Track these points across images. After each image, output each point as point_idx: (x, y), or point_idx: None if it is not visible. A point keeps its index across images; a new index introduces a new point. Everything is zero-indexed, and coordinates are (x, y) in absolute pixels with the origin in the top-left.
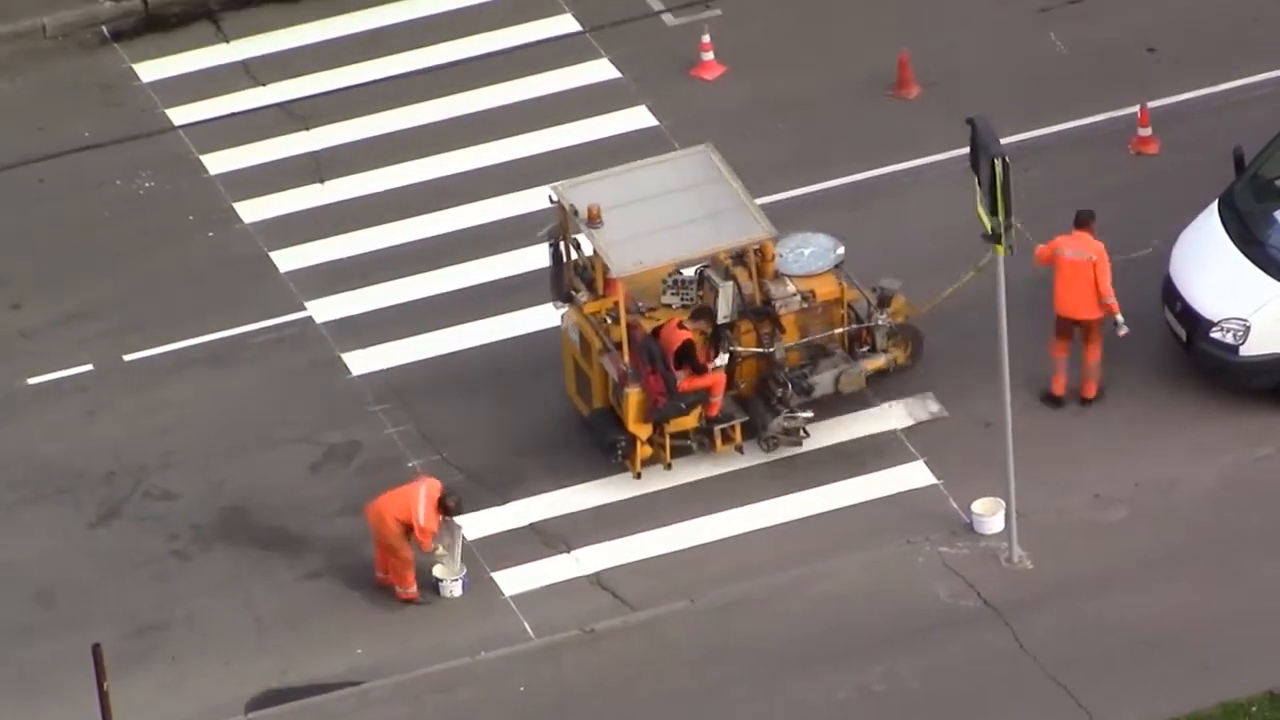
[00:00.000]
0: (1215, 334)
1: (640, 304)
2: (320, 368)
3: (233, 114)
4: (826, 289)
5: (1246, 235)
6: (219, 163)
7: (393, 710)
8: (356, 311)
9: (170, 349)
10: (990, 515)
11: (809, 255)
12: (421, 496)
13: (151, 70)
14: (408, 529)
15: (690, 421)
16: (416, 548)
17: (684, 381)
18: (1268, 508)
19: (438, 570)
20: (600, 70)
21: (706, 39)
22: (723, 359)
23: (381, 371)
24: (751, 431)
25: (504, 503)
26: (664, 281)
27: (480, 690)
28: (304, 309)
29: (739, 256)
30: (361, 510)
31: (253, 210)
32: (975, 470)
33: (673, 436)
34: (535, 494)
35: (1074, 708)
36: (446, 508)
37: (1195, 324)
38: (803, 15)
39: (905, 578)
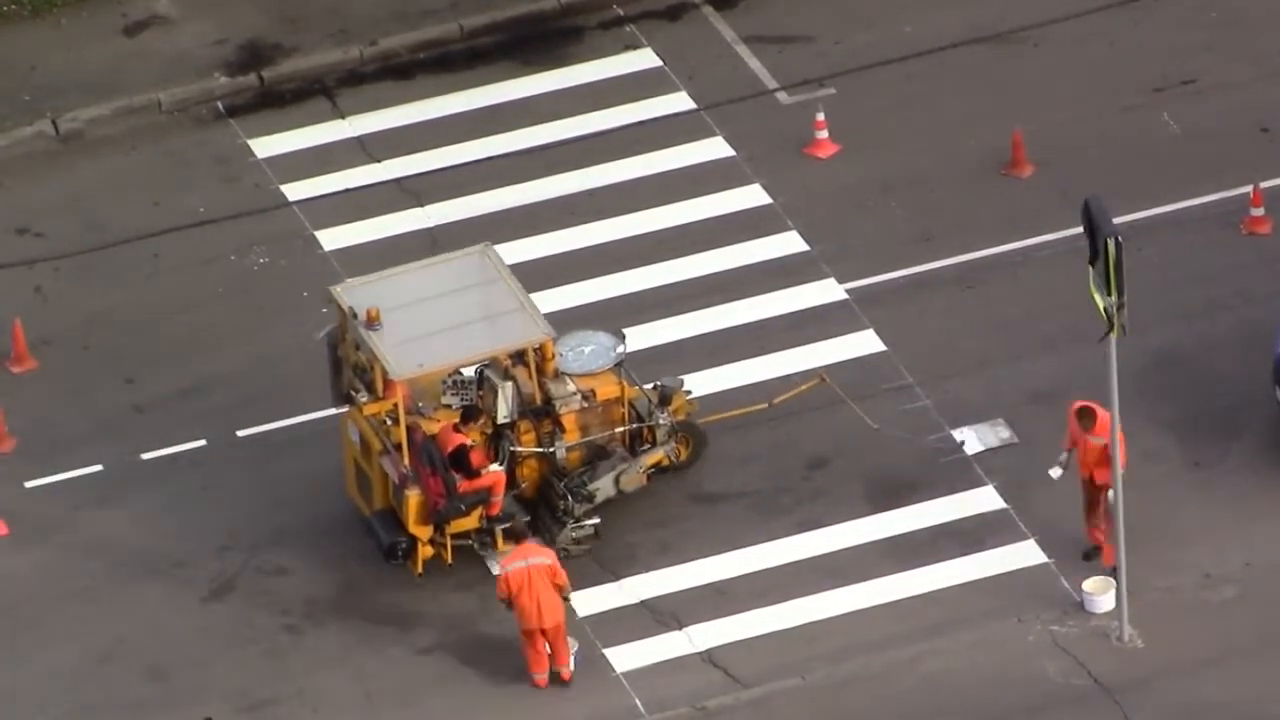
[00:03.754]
0: None
1: (421, 405)
2: None
3: (347, 190)
4: (606, 388)
5: None
6: (333, 239)
7: None
8: None
9: (284, 424)
10: (1101, 594)
11: (589, 354)
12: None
13: (266, 146)
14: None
15: (471, 521)
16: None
17: (463, 483)
18: None
19: None
20: (714, 148)
21: (820, 117)
22: (498, 466)
23: None
24: (535, 532)
25: (616, 579)
26: (444, 383)
27: None
28: None
29: (519, 356)
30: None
31: None
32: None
33: (454, 536)
34: (647, 571)
35: None
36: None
37: None
38: (916, 94)
39: (1016, 656)
